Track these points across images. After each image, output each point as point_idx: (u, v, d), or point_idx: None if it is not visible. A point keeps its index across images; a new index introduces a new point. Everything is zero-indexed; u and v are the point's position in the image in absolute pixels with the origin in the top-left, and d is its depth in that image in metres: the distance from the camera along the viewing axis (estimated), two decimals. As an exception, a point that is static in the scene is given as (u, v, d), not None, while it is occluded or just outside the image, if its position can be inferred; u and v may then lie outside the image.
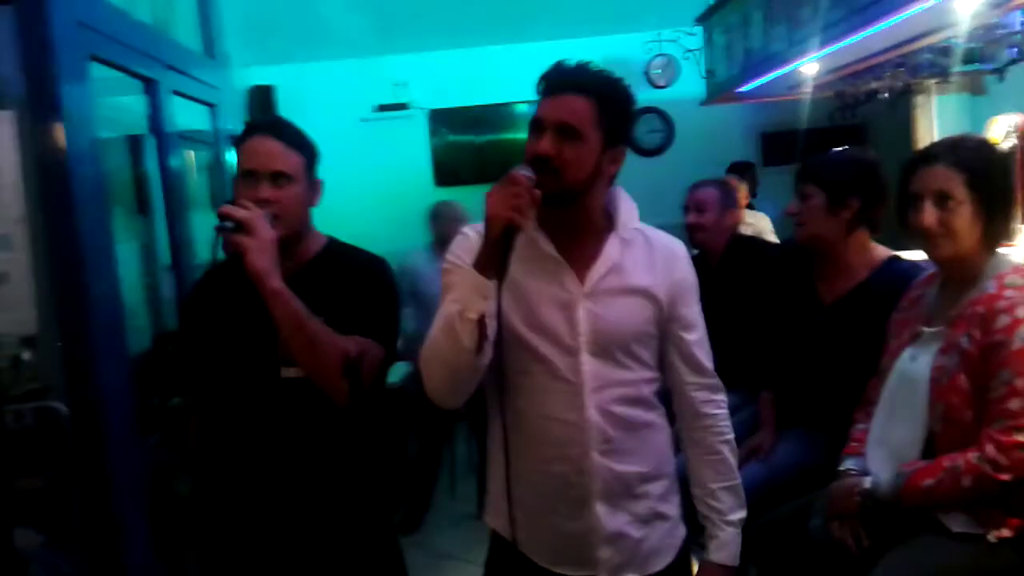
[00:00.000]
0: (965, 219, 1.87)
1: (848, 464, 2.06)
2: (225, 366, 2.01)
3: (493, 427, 1.76)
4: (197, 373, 2.13)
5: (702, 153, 6.27)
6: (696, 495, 1.80)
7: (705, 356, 1.78)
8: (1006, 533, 1.81)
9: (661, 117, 6.62)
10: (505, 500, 1.71)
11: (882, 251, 2.46)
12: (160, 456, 2.93)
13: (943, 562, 1.81)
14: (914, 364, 1.95)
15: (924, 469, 1.84)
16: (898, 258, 2.44)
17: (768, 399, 2.70)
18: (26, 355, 2.38)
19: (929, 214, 1.89)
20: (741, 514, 1.78)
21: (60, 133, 2.38)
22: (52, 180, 2.38)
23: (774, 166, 6.31)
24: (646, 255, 1.72)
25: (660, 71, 6.44)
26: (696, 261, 2.98)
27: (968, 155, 1.89)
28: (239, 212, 1.80)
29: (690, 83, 6.16)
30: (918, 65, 3.76)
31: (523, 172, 1.54)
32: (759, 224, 5.06)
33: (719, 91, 5.56)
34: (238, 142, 1.97)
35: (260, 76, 6.34)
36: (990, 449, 1.77)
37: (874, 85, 4.06)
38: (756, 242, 3.52)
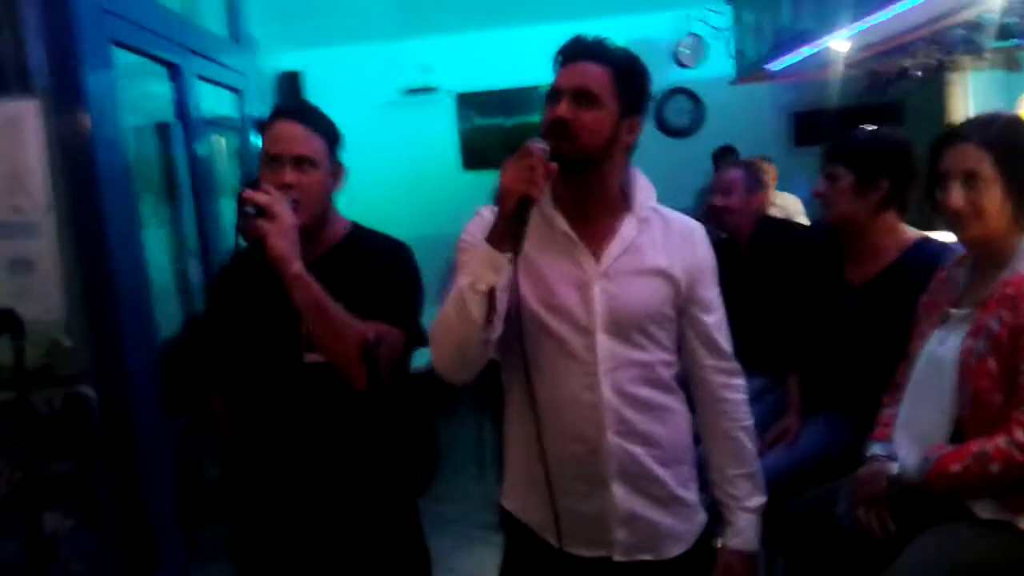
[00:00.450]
0: (994, 199, 1.82)
1: (875, 449, 2.03)
2: (250, 351, 2.03)
3: (509, 408, 1.76)
4: (223, 358, 2.15)
5: (732, 134, 6.20)
6: (713, 481, 1.80)
7: (724, 339, 1.77)
8: (1036, 520, 1.77)
9: (690, 97, 6.55)
10: (521, 482, 1.71)
11: (912, 232, 2.41)
12: (189, 440, 2.96)
13: (971, 549, 1.78)
14: (942, 347, 1.92)
15: (952, 454, 1.81)
16: (928, 239, 2.39)
17: (795, 383, 2.67)
18: (67, 342, 2.41)
19: (957, 194, 1.84)
20: (759, 500, 1.78)
21: (85, 120, 2.40)
22: (77, 167, 2.41)
23: (805, 146, 6.21)
24: (663, 235, 1.72)
25: (688, 51, 6.37)
26: (723, 244, 2.99)
27: (997, 133, 1.84)
28: (260, 197, 1.81)
29: (719, 62, 6.08)
30: (951, 41, 3.67)
31: (538, 145, 1.54)
32: (789, 206, 5.00)
33: (748, 70, 5.48)
34: (263, 127, 1.98)
35: (287, 61, 6.35)
36: (1019, 434, 1.73)
37: (906, 63, 3.98)
38: (784, 224, 3.47)
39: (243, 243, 2.10)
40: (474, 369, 1.67)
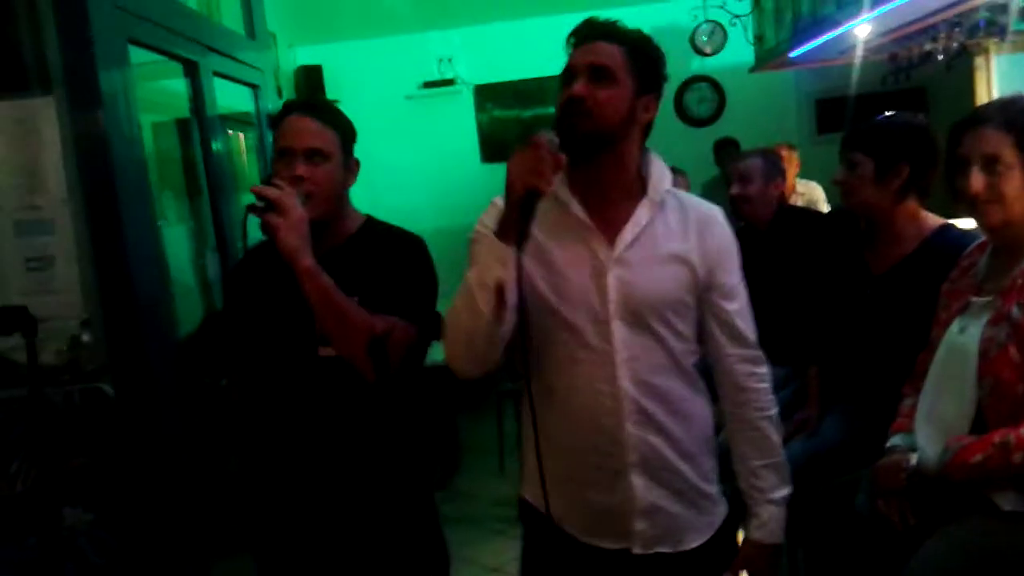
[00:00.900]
0: (1015, 184, 1.78)
1: (895, 440, 2.00)
2: (265, 344, 2.03)
3: (525, 400, 1.75)
4: (239, 351, 2.15)
5: (754, 122, 6.15)
6: (737, 472, 1.77)
7: (747, 326, 1.73)
8: (1059, 512, 1.74)
9: (712, 86, 6.50)
10: (539, 473, 1.70)
11: (933, 219, 2.37)
12: (210, 434, 2.98)
13: (992, 541, 1.75)
14: (963, 336, 1.88)
15: (973, 445, 1.77)
16: (950, 226, 2.35)
17: (815, 374, 2.64)
18: (86, 337, 2.44)
19: (977, 180, 1.80)
20: (784, 491, 1.74)
21: (101, 117, 2.42)
22: (94, 164, 2.42)
23: (829, 133, 6.14)
24: (680, 221, 1.68)
25: (707, 38, 6.31)
26: (743, 233, 2.95)
27: (1018, 116, 1.80)
28: (270, 192, 1.81)
29: (738, 50, 6.03)
30: (974, 24, 3.61)
31: (545, 136, 1.52)
32: (811, 194, 4.95)
33: (769, 57, 5.43)
34: (275, 121, 1.99)
35: (307, 56, 6.37)
36: None
37: (929, 47, 3.92)
38: (805, 212, 3.43)
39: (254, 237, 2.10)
40: (486, 364, 1.66)
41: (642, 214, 1.65)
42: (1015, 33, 3.69)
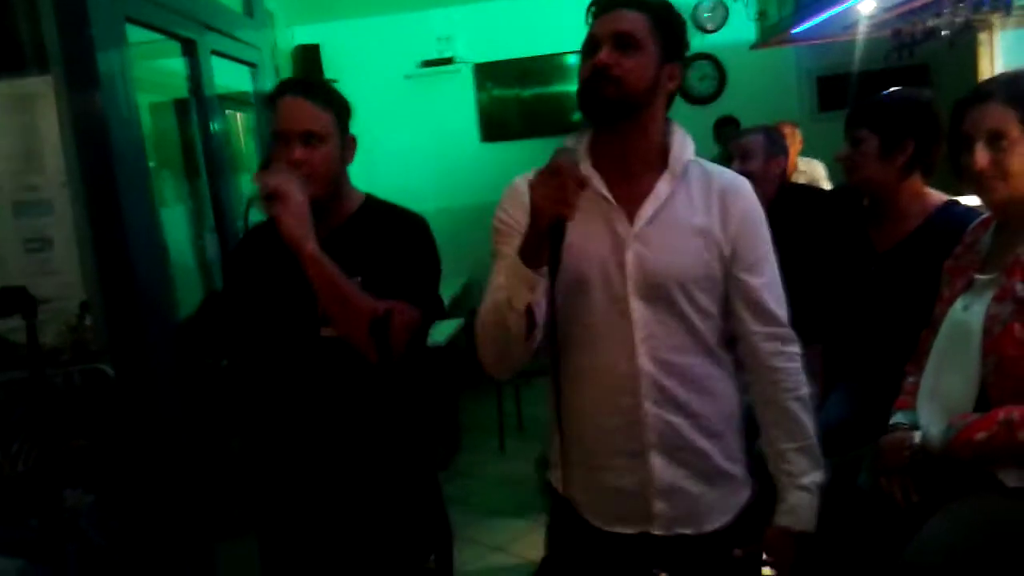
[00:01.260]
0: (1020, 159, 1.76)
1: (898, 418, 1.99)
2: (267, 325, 2.03)
3: (550, 379, 1.72)
4: (240, 332, 2.15)
5: (754, 100, 6.11)
6: (766, 455, 1.72)
7: (774, 302, 1.68)
8: (1063, 488, 1.73)
9: (713, 63, 6.45)
10: (562, 457, 1.69)
11: (937, 196, 2.36)
12: (211, 415, 2.98)
13: (996, 519, 1.74)
14: (966, 313, 1.87)
15: (977, 422, 1.77)
16: (955, 203, 2.34)
17: (818, 352, 2.63)
18: (87, 319, 2.43)
19: (981, 156, 1.79)
20: (815, 476, 1.68)
21: (99, 97, 2.40)
22: (92, 144, 2.41)
23: (831, 111, 6.10)
24: (703, 192, 1.65)
25: (709, 14, 6.27)
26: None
27: (1023, 90, 1.78)
28: (271, 181, 1.80)
29: (740, 26, 5.98)
30: (979, -1, 3.57)
31: (566, 159, 1.48)
32: (813, 172, 4.92)
33: (771, 34, 5.38)
34: (270, 102, 1.98)
35: (304, 35, 6.33)
36: None
37: (933, 22, 3.88)
38: (807, 190, 3.42)
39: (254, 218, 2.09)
40: (517, 368, 1.66)
41: (662, 188, 1.62)
42: (1020, 8, 3.66)
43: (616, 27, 1.57)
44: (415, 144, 6.51)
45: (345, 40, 6.43)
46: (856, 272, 2.45)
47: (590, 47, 1.60)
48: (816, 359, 2.63)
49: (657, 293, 1.60)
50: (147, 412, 2.46)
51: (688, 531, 1.68)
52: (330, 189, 1.96)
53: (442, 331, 4.23)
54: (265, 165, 1.89)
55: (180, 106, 3.64)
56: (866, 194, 2.41)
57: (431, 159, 6.52)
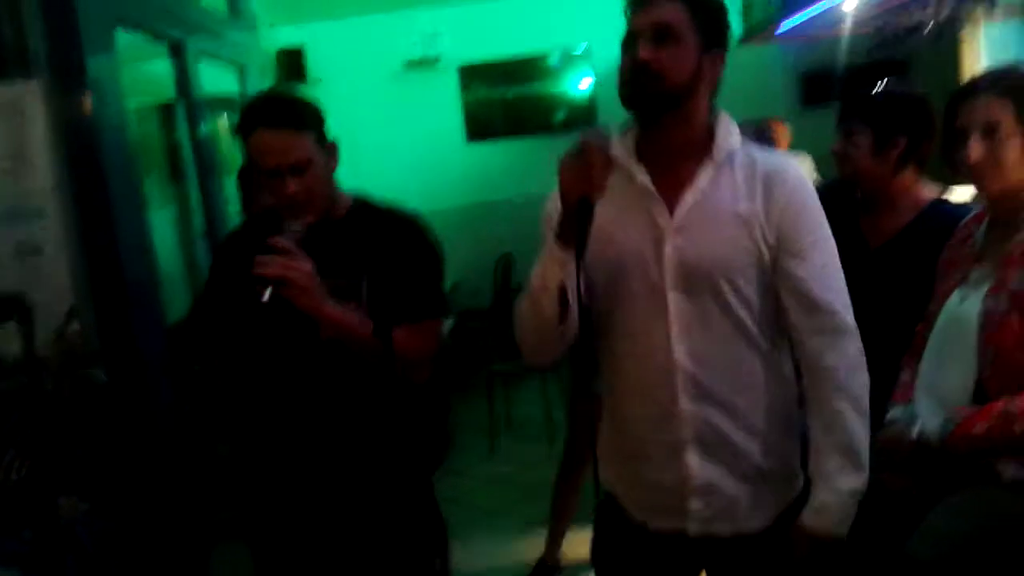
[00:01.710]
0: (1016, 151, 1.77)
1: (895, 412, 2.00)
2: (263, 326, 2.01)
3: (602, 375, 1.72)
4: (229, 335, 2.13)
5: (740, 96, 6.09)
6: (810, 453, 1.67)
7: (824, 293, 1.61)
8: (1060, 480, 1.74)
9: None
10: (605, 449, 1.69)
11: (929, 191, 2.37)
12: (201, 419, 2.96)
13: (995, 512, 1.75)
14: (962, 307, 1.88)
15: (975, 415, 1.78)
16: (945, 200, 2.35)
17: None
18: (73, 326, 2.41)
19: (976, 148, 1.80)
20: (853, 481, 1.60)
21: (87, 101, 2.38)
22: (81, 149, 2.39)
23: (814, 107, 6.13)
24: (747, 178, 1.61)
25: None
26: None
27: (1018, 83, 1.79)
28: (270, 271, 1.76)
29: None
30: (964, -8, 3.60)
31: (595, 139, 1.47)
32: (801, 166, 4.93)
33: (756, 30, 5.40)
34: (242, 134, 1.91)
35: (288, 36, 6.29)
36: None
37: (917, 17, 3.90)
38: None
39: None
40: (555, 354, 1.65)
41: (704, 177, 1.60)
42: (1004, 3, 3.69)
43: (653, 20, 1.54)
44: (400, 144, 6.49)
45: (329, 41, 6.41)
46: (849, 267, 2.45)
47: (629, 41, 1.57)
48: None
49: (697, 285, 1.58)
50: (140, 417, 2.44)
51: (724, 530, 1.66)
52: (327, 204, 1.96)
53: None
54: (248, 202, 1.87)
55: (165, 110, 3.62)
56: (859, 188, 2.42)
57: (416, 159, 6.50)
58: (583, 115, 6.45)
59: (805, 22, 4.59)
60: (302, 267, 1.77)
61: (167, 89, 3.36)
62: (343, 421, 1.99)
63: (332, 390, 1.98)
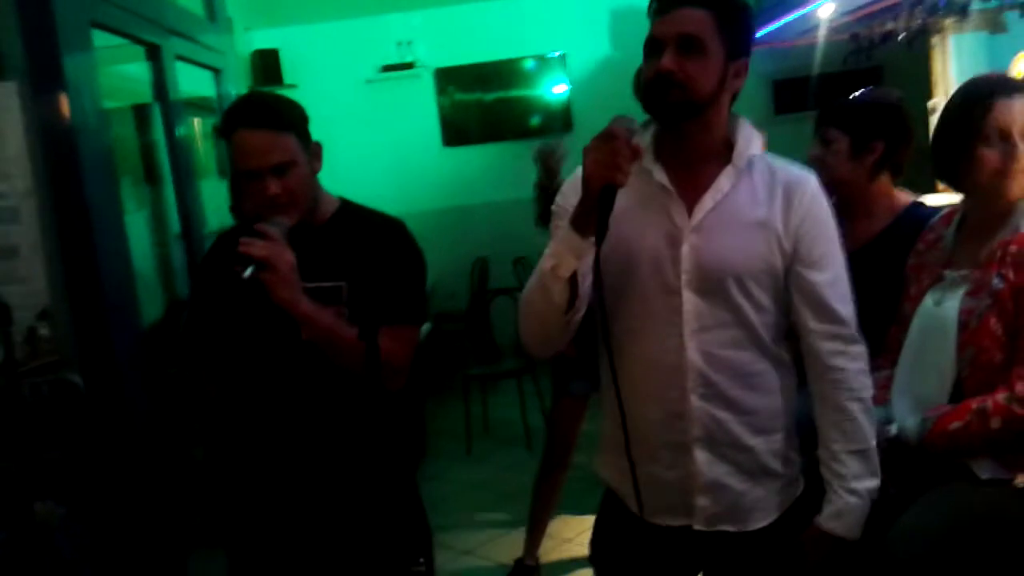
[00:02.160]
0: None
1: (873, 413, 2.03)
2: (246, 331, 2.00)
3: (601, 370, 1.71)
4: (214, 340, 2.12)
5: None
6: (820, 457, 1.70)
7: (837, 300, 1.64)
8: (1034, 478, 1.77)
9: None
10: (608, 446, 1.69)
11: (904, 196, 2.40)
12: (177, 423, 2.94)
13: (970, 509, 1.78)
14: (939, 308, 1.91)
15: (951, 412, 1.81)
16: (920, 204, 2.38)
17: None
18: (43, 329, 2.38)
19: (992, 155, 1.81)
20: (869, 483, 1.65)
21: (64, 103, 2.36)
22: (58, 151, 2.37)
23: (786, 114, 6.19)
24: (767, 186, 1.63)
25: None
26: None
27: None
28: (256, 251, 1.75)
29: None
30: (936, 2, 3.65)
31: (622, 125, 1.47)
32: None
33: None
34: (224, 134, 1.91)
35: (263, 40, 6.27)
36: (1020, 387, 1.73)
37: (890, 26, 3.96)
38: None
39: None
40: (558, 345, 1.66)
41: (724, 181, 1.61)
42: (976, 12, 3.75)
43: (679, 29, 1.52)
44: (376, 149, 6.48)
45: (304, 45, 6.39)
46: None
47: (652, 48, 1.56)
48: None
49: (711, 286, 1.59)
50: (116, 422, 2.42)
51: (731, 528, 1.67)
52: (311, 205, 1.95)
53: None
54: (236, 204, 1.85)
55: (140, 111, 3.60)
56: (835, 193, 2.45)
57: (392, 164, 6.49)
58: (559, 120, 6.48)
59: (779, 29, 4.64)
60: (285, 254, 1.77)
61: (140, 90, 3.33)
62: (321, 425, 1.98)
63: (310, 393, 1.97)
